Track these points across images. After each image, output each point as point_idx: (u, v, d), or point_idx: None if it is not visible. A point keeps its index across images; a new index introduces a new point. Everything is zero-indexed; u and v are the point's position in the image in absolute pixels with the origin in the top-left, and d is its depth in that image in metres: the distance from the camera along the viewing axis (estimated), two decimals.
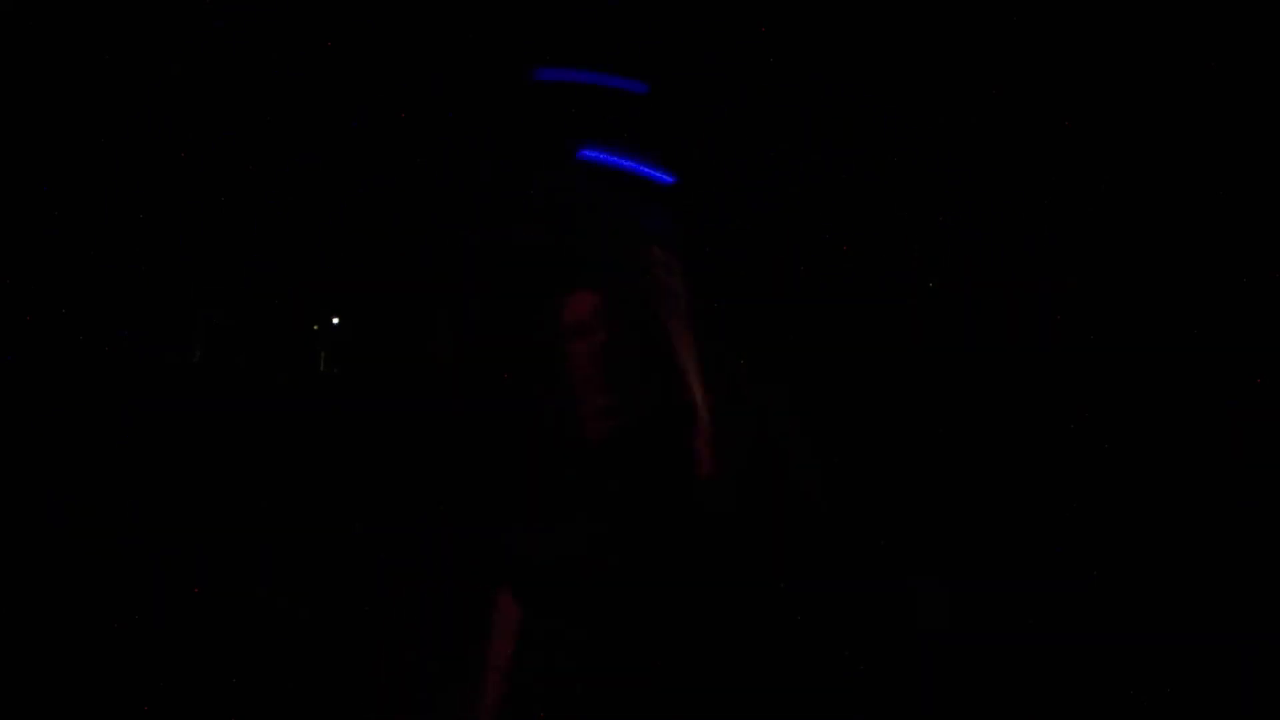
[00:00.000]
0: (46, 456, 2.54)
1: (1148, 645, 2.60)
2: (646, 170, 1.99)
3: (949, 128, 2.66)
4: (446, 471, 1.83)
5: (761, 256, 2.67)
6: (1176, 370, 2.64)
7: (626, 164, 2.02)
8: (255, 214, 2.56)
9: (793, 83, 2.66)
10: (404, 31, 2.61)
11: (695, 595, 1.87)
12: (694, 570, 1.89)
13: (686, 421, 2.03)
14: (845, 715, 2.22)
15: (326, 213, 2.61)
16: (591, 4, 2.67)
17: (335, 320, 2.64)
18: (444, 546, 1.80)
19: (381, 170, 2.63)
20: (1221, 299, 2.62)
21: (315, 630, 2.04)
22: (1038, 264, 2.67)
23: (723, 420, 1.92)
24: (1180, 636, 2.59)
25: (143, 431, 2.51)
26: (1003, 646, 2.58)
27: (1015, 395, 2.66)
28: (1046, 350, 2.66)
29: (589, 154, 2.01)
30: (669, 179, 1.95)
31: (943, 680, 2.53)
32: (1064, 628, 2.63)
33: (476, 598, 1.84)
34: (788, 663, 1.83)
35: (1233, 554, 2.61)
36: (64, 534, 2.55)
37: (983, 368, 2.65)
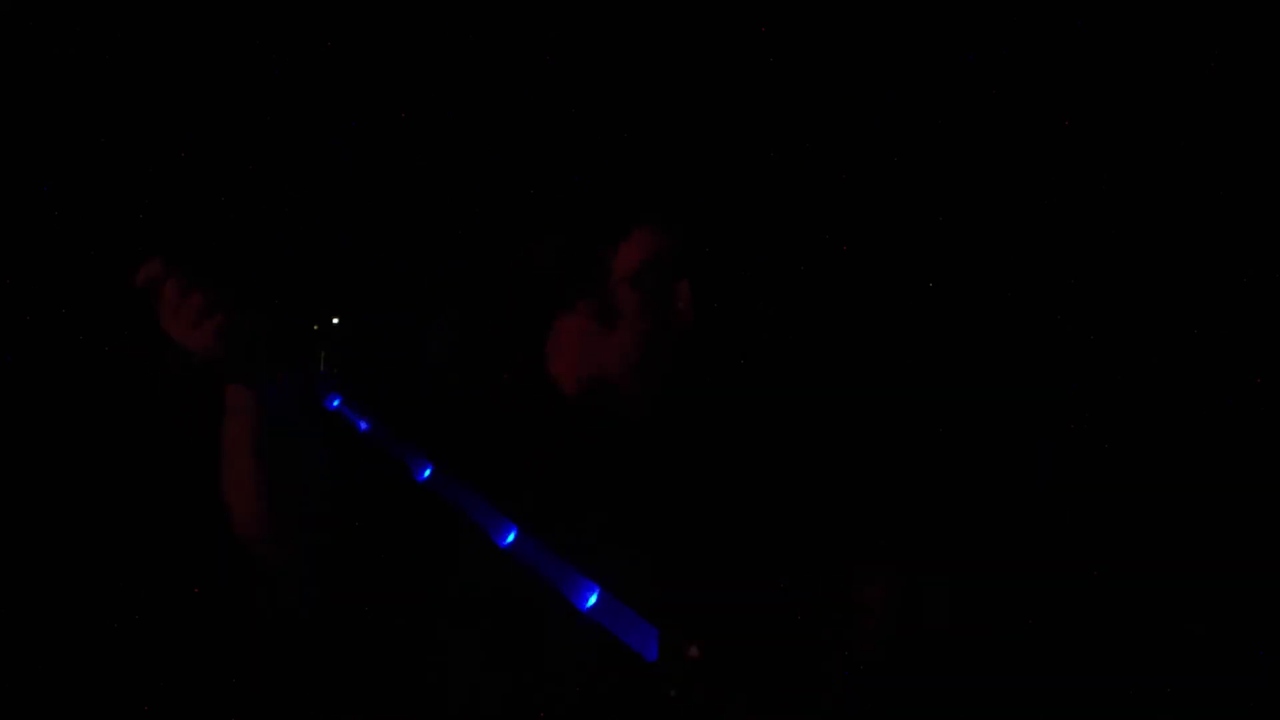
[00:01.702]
0: (46, 457, 2.53)
1: (1147, 645, 2.60)
2: None
3: (948, 127, 2.66)
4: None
5: (759, 255, 2.67)
6: (1176, 370, 2.63)
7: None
8: (253, 214, 2.56)
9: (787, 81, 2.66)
10: (405, 32, 2.60)
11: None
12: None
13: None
14: (845, 714, 2.21)
15: (326, 212, 2.61)
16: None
17: (335, 320, 2.63)
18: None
19: (381, 170, 2.63)
20: (1221, 299, 2.61)
21: (314, 629, 2.04)
22: (1037, 263, 2.66)
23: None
24: (1180, 635, 2.59)
25: (141, 432, 2.51)
26: (1003, 647, 2.58)
27: (1014, 395, 2.66)
28: (1045, 350, 2.65)
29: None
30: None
31: (942, 681, 2.52)
32: (1064, 628, 2.62)
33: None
34: (787, 662, 1.82)
35: (1233, 554, 2.60)
36: (63, 535, 2.54)
37: (982, 367, 2.65)
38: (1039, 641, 2.60)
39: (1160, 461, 2.63)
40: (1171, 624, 2.60)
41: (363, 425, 1.69)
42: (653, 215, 1.76)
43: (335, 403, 1.70)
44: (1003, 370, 2.66)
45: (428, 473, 1.61)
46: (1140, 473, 2.63)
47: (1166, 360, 2.63)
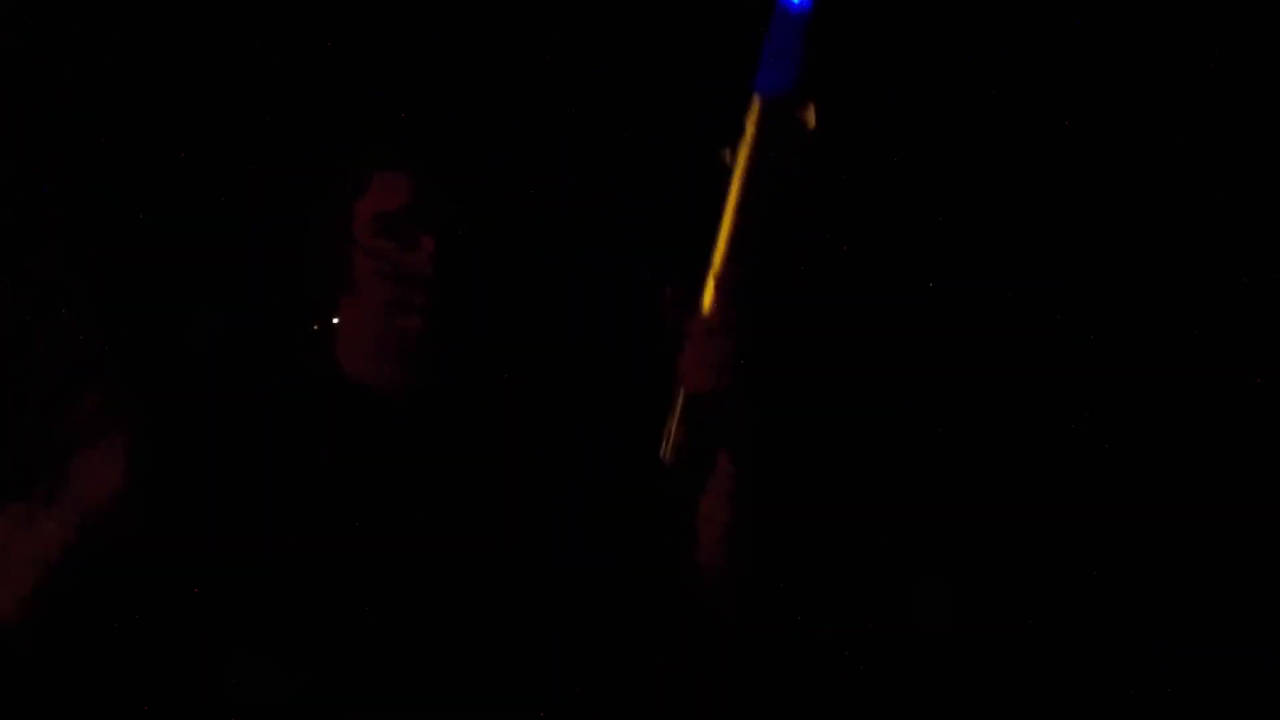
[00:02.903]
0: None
1: (1148, 645, 2.60)
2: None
3: (950, 126, 2.66)
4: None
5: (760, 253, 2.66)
6: (1176, 370, 2.63)
7: None
8: (253, 213, 2.56)
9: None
10: (403, 32, 2.60)
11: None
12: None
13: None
14: (844, 714, 2.22)
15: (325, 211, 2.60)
16: None
17: (335, 320, 2.64)
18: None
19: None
20: (1221, 298, 2.62)
21: (315, 629, 2.04)
22: (1036, 263, 2.66)
23: None
24: (1180, 636, 2.59)
25: (142, 431, 2.51)
26: (1002, 646, 2.58)
27: (1015, 395, 2.66)
28: (1046, 350, 2.66)
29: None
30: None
31: (943, 680, 2.52)
32: (1064, 628, 2.62)
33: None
34: (786, 663, 1.82)
35: (1233, 555, 2.60)
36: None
37: (981, 367, 2.65)
38: (1038, 641, 2.61)
39: (1160, 461, 2.63)
40: (1171, 624, 2.61)
41: None
42: (388, 164, 1.54)
43: None
44: (999, 370, 2.66)
45: None
46: (1139, 472, 2.63)
47: (1166, 360, 2.63)
